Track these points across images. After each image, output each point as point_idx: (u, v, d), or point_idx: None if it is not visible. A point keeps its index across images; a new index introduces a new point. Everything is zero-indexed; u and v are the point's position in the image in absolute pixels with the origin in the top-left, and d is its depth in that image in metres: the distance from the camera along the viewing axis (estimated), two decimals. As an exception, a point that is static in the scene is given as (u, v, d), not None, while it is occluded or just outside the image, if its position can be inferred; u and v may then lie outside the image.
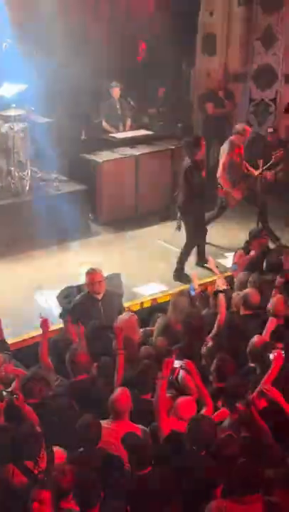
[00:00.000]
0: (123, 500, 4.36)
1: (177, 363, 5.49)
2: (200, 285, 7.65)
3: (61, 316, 6.77)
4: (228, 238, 9.50)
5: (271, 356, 5.41)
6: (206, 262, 8.57)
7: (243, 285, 7.14)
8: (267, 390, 5.11)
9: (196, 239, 8.81)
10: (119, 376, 5.61)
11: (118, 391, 5.17)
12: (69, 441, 4.95)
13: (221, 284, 6.88)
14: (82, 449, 4.84)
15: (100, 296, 6.86)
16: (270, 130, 11.16)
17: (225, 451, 4.59)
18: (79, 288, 7.47)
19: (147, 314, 7.56)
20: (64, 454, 4.84)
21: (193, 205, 8.54)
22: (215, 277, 7.78)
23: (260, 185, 9.55)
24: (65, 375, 5.87)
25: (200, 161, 8.62)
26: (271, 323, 6.28)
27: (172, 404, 5.23)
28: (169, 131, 11.11)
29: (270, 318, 6.34)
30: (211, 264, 7.96)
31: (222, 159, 9.16)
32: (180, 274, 8.63)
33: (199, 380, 5.30)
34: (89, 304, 6.85)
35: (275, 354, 5.39)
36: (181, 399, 5.19)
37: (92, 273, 6.88)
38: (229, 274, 7.95)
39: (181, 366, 5.47)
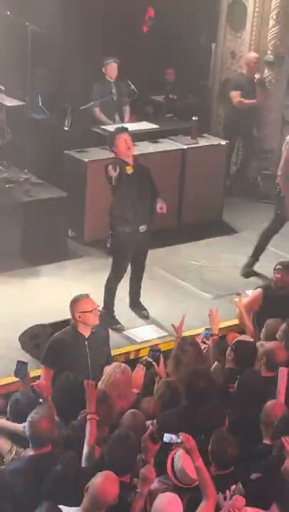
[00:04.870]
0: None
1: (168, 438, 5.20)
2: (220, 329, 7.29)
3: (16, 372, 6.40)
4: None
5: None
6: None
7: (272, 334, 7.04)
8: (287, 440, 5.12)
9: None
10: (88, 449, 5.43)
11: (102, 477, 4.94)
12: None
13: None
14: None
15: (87, 334, 6.45)
16: None
17: None
18: (54, 326, 7.21)
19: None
20: None
21: None
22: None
23: None
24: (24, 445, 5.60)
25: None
26: (283, 376, 6.18)
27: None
28: (180, 126, 10.93)
29: (281, 369, 6.23)
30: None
31: (284, 156, 9.00)
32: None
33: (201, 462, 5.03)
34: (72, 343, 6.41)
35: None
36: (161, 498, 4.91)
37: (84, 299, 6.43)
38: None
39: (177, 443, 5.16)
